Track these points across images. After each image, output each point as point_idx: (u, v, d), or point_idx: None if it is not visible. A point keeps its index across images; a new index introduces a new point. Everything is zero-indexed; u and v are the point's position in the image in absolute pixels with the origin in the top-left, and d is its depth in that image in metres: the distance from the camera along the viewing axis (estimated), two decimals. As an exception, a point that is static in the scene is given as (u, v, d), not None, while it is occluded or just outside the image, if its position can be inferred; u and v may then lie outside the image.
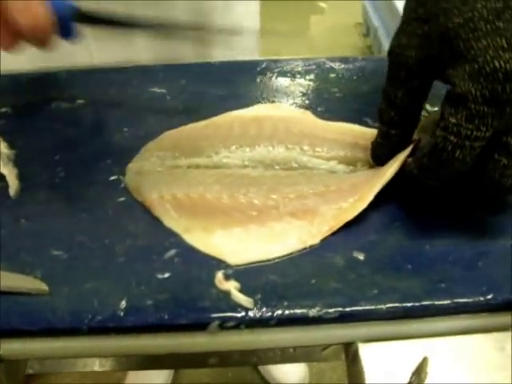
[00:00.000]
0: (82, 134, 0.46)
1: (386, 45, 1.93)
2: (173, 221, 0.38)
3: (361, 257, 0.36)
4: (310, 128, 0.44)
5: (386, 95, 0.38)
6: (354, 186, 0.39)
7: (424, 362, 0.33)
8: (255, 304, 0.33)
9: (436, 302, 0.33)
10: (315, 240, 0.37)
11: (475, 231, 0.38)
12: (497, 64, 0.30)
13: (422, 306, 0.33)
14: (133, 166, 0.42)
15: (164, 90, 0.50)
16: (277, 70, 0.52)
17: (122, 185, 0.42)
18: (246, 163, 0.41)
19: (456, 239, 0.37)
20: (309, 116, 0.46)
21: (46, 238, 0.38)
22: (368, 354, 0.33)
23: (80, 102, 0.49)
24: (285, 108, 0.46)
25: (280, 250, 0.36)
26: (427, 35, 0.35)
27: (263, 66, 0.53)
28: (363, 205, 0.37)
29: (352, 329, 0.34)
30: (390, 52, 0.37)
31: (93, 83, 0.51)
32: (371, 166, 0.41)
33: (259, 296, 0.34)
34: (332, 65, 0.53)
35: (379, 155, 0.40)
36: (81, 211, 0.40)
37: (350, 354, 0.35)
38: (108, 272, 0.35)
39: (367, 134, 0.43)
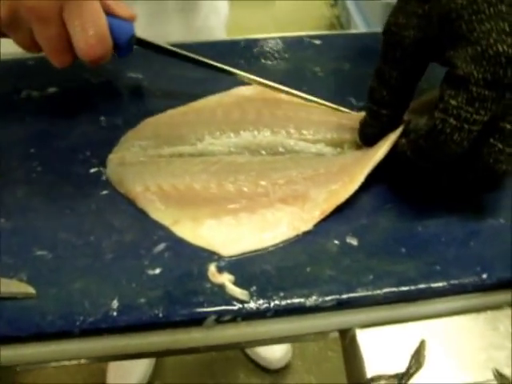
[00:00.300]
0: (56, 124, 0.44)
1: (354, 15, 1.91)
2: (160, 213, 0.37)
3: (354, 242, 0.36)
4: (295, 110, 0.43)
5: (380, 74, 0.37)
6: (343, 168, 0.38)
7: (422, 345, 0.33)
8: (251, 296, 0.33)
9: (432, 285, 0.33)
10: (308, 226, 0.36)
11: (465, 210, 0.38)
12: (500, 48, 0.30)
13: (418, 290, 0.33)
14: (114, 157, 0.40)
15: (140, 75, 0.48)
16: (256, 50, 0.51)
17: (104, 177, 0.40)
18: (231, 149, 0.40)
19: (446, 219, 0.37)
20: (292, 98, 0.44)
21: (29, 238, 0.36)
22: (365, 338, 0.33)
23: (52, 90, 0.47)
24: (267, 90, 0.45)
25: (272, 238, 0.35)
26: (427, 15, 0.34)
27: (242, 45, 0.51)
28: (354, 186, 0.37)
29: (349, 315, 0.33)
30: (386, 31, 0.36)
31: (64, 69, 0.48)
32: (358, 148, 0.40)
33: (254, 288, 0.33)
34: (311, 42, 0.51)
35: (368, 135, 0.39)
36: (62, 207, 0.38)
37: (347, 338, 0.35)
38: (96, 270, 0.34)
39: (352, 114, 0.43)
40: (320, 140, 0.41)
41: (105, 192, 0.39)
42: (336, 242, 0.36)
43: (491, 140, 0.33)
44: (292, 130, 0.41)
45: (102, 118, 0.44)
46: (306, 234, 0.36)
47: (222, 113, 0.42)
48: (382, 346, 0.33)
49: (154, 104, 0.45)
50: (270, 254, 0.35)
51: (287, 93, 0.44)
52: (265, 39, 0.52)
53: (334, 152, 0.40)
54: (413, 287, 0.33)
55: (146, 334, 0.33)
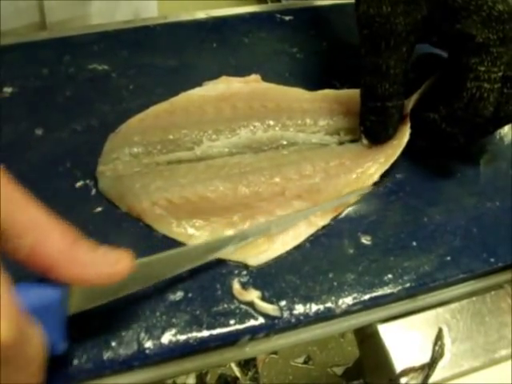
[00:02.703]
0: (22, 131, 0.39)
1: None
2: (172, 228, 0.35)
3: (368, 241, 0.36)
4: (285, 100, 0.41)
5: (375, 68, 0.36)
6: (355, 161, 0.38)
7: (440, 333, 0.35)
8: (281, 310, 0.33)
9: (447, 276, 0.35)
10: (325, 220, 0.36)
11: (463, 195, 0.39)
12: (500, 7, 0.33)
13: (435, 282, 0.35)
14: (105, 170, 0.37)
15: (106, 67, 0.43)
16: (225, 31, 0.47)
17: (93, 192, 0.37)
18: (232, 150, 0.38)
19: (447, 206, 0.39)
20: (279, 86, 0.43)
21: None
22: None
23: (8, 90, 0.41)
24: (251, 79, 0.43)
25: (294, 238, 0.35)
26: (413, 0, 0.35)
27: (209, 26, 0.47)
28: (370, 181, 0.38)
29: (372, 314, 0.35)
30: (370, 23, 0.36)
31: (17, 64, 0.43)
32: (354, 135, 0.40)
33: (284, 302, 0.33)
34: (283, 18, 0.49)
35: (379, 134, 0.39)
36: (55, 231, 0.35)
37: (364, 334, 0.36)
38: (113, 302, 0.32)
39: (340, 97, 0.42)
40: (317, 130, 0.40)
41: (99, 209, 0.36)
42: (350, 241, 0.36)
43: (505, 90, 0.35)
44: (288, 122, 0.40)
45: (74, 121, 0.40)
46: (320, 235, 0.36)
47: (212, 110, 0.39)
48: (399, 338, 0.35)
49: (128, 100, 0.42)
50: (290, 262, 0.35)
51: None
52: (232, 17, 0.48)
53: (333, 140, 0.40)
54: (430, 280, 0.35)
55: (179, 362, 0.32)
